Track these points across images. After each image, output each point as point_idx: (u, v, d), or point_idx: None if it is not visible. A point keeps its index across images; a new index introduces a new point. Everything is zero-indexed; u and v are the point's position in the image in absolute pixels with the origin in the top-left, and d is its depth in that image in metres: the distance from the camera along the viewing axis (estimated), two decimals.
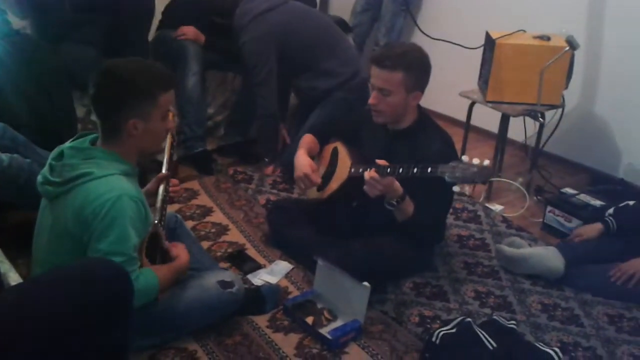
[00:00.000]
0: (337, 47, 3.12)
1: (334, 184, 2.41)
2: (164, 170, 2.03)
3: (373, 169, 2.10)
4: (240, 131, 3.48)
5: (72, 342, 1.41)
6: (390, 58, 2.20)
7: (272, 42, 2.99)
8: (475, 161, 1.91)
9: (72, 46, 2.76)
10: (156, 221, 1.88)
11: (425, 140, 2.26)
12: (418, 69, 2.23)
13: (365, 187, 2.10)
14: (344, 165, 2.40)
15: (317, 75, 3.08)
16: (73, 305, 1.40)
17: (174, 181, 2.06)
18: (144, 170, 2.07)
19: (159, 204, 1.95)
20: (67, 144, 1.80)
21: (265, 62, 3.00)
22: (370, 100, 2.26)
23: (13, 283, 1.71)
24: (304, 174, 2.38)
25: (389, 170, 2.09)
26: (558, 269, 2.39)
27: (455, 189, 1.91)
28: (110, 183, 1.70)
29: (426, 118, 2.37)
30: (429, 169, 1.99)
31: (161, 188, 1.99)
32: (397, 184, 2.10)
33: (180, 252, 1.91)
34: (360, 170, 2.21)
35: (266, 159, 3.26)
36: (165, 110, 1.80)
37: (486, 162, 1.91)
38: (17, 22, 2.79)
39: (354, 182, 2.22)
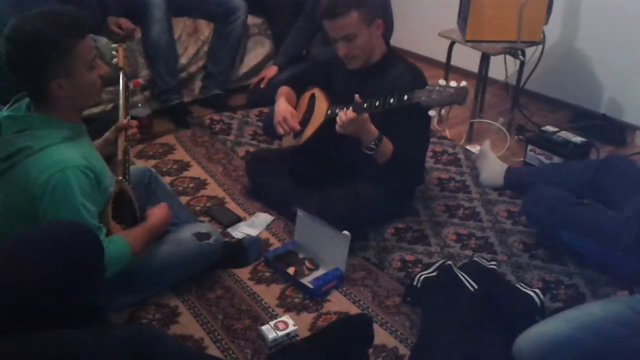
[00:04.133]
0: None
1: (311, 129, 2.37)
2: (120, 118, 1.89)
3: (349, 108, 2.05)
4: (217, 83, 3.40)
5: (43, 305, 1.38)
6: (338, 4, 2.12)
7: None
8: (453, 83, 1.88)
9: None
10: (120, 177, 1.80)
11: (396, 74, 2.21)
12: None
13: (337, 126, 2.06)
14: (321, 108, 2.35)
15: None
16: (40, 267, 1.35)
17: (133, 122, 1.91)
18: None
19: (120, 156, 1.83)
20: (4, 112, 1.68)
21: None
22: (341, 52, 2.20)
23: None
24: (282, 117, 2.35)
25: (365, 105, 2.05)
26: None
27: (432, 113, 1.88)
28: (50, 156, 1.59)
29: (394, 52, 2.33)
30: (405, 97, 1.95)
31: (120, 139, 1.86)
32: (372, 125, 2.06)
33: (156, 211, 1.86)
34: (337, 110, 2.16)
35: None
36: (88, 58, 1.63)
37: (463, 83, 1.87)
38: None
39: (331, 124, 2.17)
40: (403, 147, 2.13)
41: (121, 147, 1.85)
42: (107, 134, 1.92)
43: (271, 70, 3.31)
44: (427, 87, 1.91)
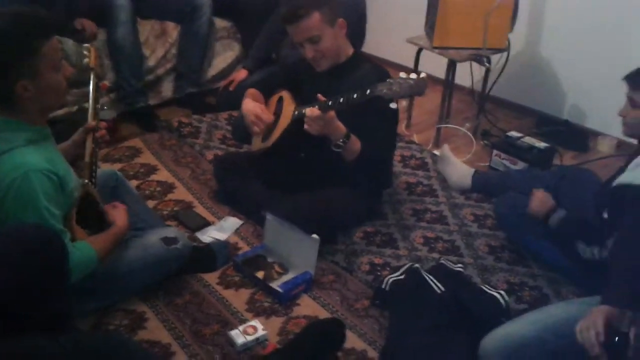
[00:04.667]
0: None
1: (278, 131, 2.36)
2: (89, 119, 1.85)
3: (315, 106, 2.07)
4: (190, 82, 3.38)
5: (6, 309, 1.35)
6: (299, 7, 2.15)
7: None
8: (413, 75, 1.93)
9: None
10: (86, 180, 1.77)
11: (362, 74, 2.23)
12: None
13: (305, 125, 2.07)
14: (289, 110, 2.35)
15: None
16: (2, 271, 1.33)
17: (102, 124, 1.88)
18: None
19: (87, 158, 1.80)
20: None
21: None
22: (308, 55, 2.22)
23: None
24: (254, 114, 2.32)
25: (330, 103, 2.06)
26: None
27: (393, 105, 1.93)
28: (12, 160, 1.55)
29: (360, 54, 2.37)
30: (368, 91, 1.99)
31: (88, 141, 1.83)
32: (339, 122, 2.08)
33: (118, 215, 1.83)
34: (303, 111, 2.16)
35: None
36: (54, 60, 1.59)
37: (422, 75, 1.93)
38: None
39: (298, 125, 2.17)
40: (370, 145, 2.15)
41: (89, 150, 1.82)
42: (74, 136, 1.88)
43: (241, 74, 3.30)
44: (388, 80, 1.95)
